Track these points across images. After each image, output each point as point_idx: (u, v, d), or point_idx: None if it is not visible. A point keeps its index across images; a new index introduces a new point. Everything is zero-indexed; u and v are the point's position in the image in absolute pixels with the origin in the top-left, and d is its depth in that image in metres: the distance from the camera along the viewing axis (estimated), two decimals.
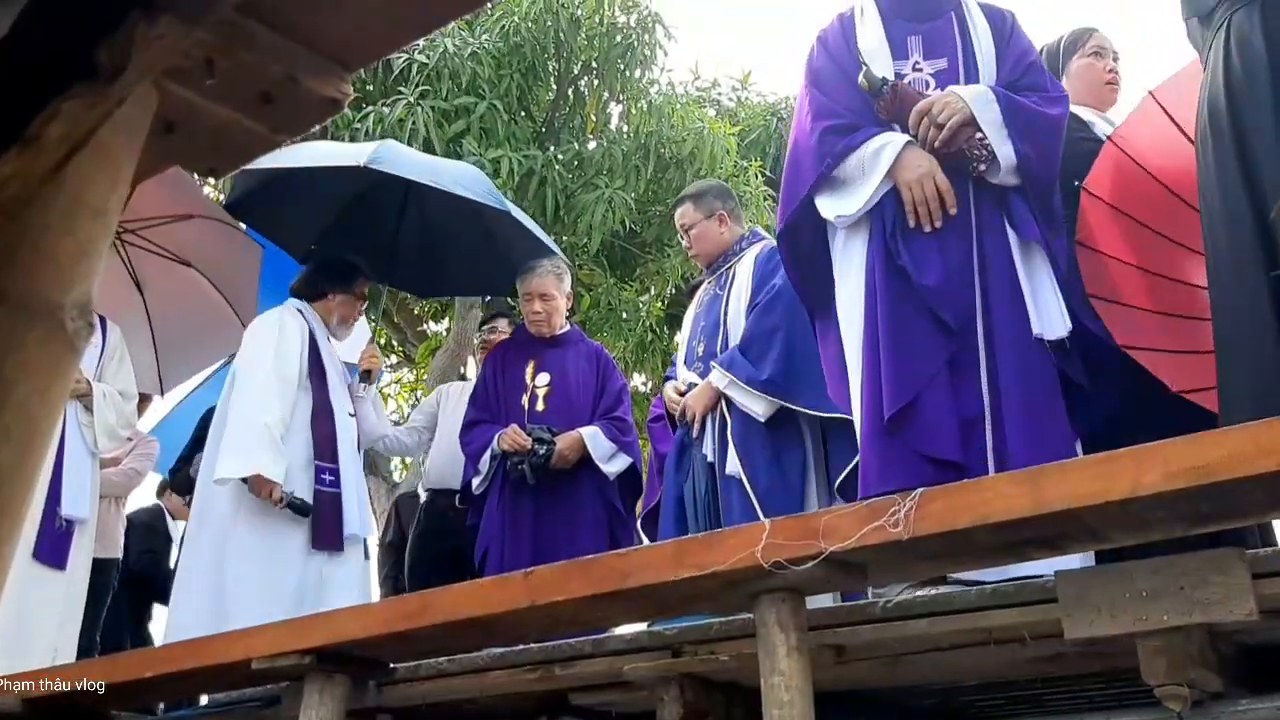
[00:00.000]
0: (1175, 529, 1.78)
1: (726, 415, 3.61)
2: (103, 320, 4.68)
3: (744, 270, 3.93)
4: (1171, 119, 3.15)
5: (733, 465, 3.49)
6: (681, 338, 4.09)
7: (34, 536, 4.14)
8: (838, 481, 3.54)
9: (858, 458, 3.48)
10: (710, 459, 3.60)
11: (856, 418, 3.02)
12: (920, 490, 1.88)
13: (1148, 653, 1.87)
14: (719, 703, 2.55)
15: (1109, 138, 3.32)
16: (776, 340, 3.64)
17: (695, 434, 3.69)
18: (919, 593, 2.36)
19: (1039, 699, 2.50)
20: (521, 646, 2.79)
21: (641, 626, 2.94)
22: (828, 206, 3.10)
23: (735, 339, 3.76)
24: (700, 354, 3.85)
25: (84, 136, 0.64)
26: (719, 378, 3.66)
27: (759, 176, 10.00)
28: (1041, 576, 2.18)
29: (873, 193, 3.01)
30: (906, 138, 3.03)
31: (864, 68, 3.08)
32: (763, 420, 3.56)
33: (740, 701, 2.56)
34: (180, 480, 5.20)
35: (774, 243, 3.98)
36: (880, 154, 3.01)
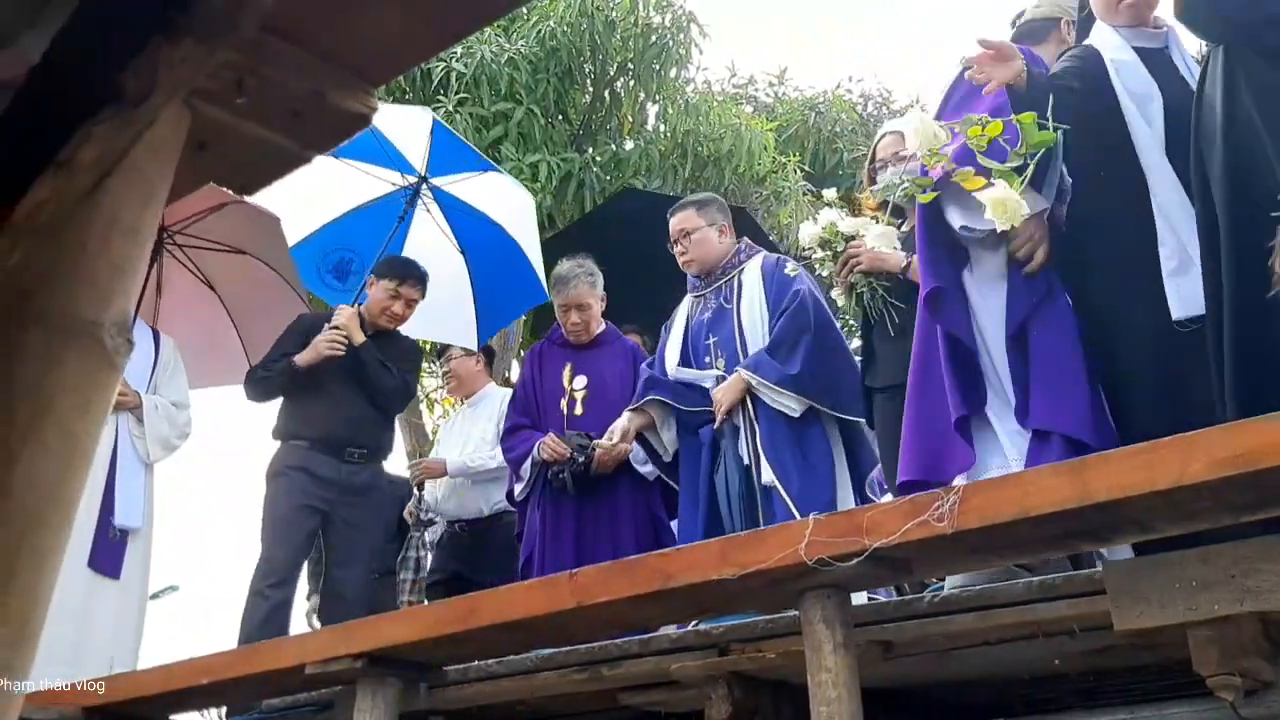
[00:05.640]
0: (1221, 518, 1.76)
1: (755, 422, 3.61)
2: (155, 333, 4.77)
3: (751, 280, 3.90)
4: None
5: (767, 476, 3.51)
6: (670, 349, 4.00)
7: (89, 546, 4.22)
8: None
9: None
10: (746, 460, 3.61)
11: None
12: (963, 484, 1.88)
13: (1199, 643, 1.85)
14: (767, 701, 2.55)
15: None
16: (804, 342, 3.65)
17: (719, 426, 3.70)
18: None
19: (1091, 691, 2.47)
20: (569, 647, 2.80)
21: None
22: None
23: (754, 347, 3.75)
24: (721, 368, 3.83)
25: (117, 158, 0.66)
26: (748, 377, 3.66)
27: (797, 171, 9.96)
28: None
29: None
30: None
31: None
32: (797, 415, 3.57)
33: (788, 699, 2.56)
34: None
35: (772, 254, 4.04)
36: None
